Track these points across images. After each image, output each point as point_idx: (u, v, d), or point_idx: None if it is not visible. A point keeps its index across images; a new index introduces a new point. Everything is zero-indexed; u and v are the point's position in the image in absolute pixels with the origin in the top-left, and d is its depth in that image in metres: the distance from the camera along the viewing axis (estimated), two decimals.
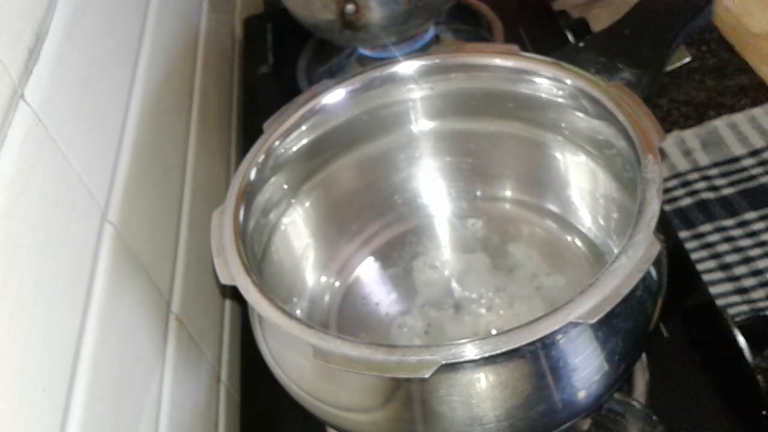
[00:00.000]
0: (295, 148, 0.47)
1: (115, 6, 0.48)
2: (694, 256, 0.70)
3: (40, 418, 0.31)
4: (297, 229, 0.50)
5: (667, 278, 0.39)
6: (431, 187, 0.54)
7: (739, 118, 0.80)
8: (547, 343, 0.33)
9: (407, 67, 0.48)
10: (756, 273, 0.68)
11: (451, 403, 0.34)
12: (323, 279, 0.51)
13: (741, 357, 0.45)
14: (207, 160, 0.60)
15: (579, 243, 0.50)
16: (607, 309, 0.31)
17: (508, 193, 0.53)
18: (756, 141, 0.78)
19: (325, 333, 0.34)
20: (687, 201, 0.75)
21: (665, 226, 0.45)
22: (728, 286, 0.68)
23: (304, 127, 0.47)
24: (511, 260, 0.51)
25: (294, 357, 0.38)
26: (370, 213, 0.53)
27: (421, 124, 0.52)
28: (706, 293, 0.50)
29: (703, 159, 0.78)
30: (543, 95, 0.46)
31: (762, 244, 0.70)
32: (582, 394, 0.35)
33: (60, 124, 0.37)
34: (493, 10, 0.72)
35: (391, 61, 0.48)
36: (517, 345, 0.31)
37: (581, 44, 0.56)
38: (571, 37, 0.68)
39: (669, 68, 0.58)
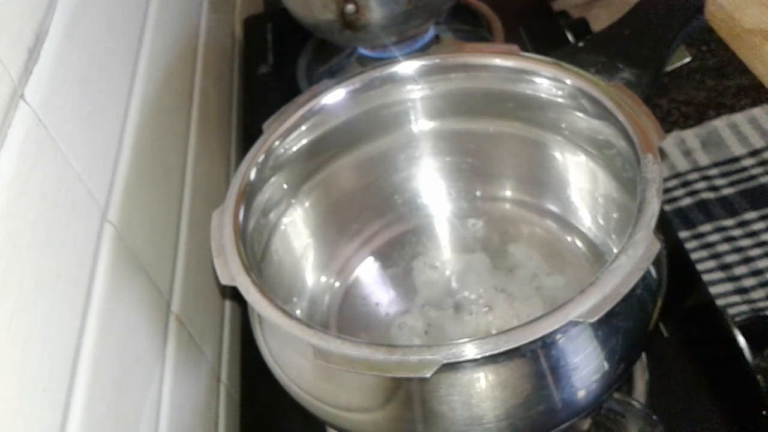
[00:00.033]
0: (295, 148, 0.47)
1: (115, 6, 0.48)
2: (694, 256, 0.70)
3: (40, 418, 0.31)
4: (297, 229, 0.50)
5: (666, 278, 0.39)
6: (431, 187, 0.54)
7: (739, 118, 0.80)
8: (547, 343, 0.34)
9: (407, 67, 0.48)
10: (756, 273, 0.68)
11: (451, 402, 0.34)
12: (323, 279, 0.51)
13: (741, 357, 0.45)
14: (207, 160, 0.60)
15: (579, 243, 0.50)
16: (607, 308, 0.31)
17: (508, 193, 0.53)
18: (756, 141, 0.78)
19: (326, 333, 0.34)
20: (687, 201, 0.75)
21: (665, 226, 0.45)
22: (728, 286, 0.68)
23: (303, 127, 0.47)
24: (511, 260, 0.51)
25: (294, 357, 0.38)
26: (370, 213, 0.53)
27: (421, 124, 0.52)
28: (706, 293, 0.50)
29: (703, 159, 0.78)
30: (543, 95, 0.46)
31: (762, 244, 0.70)
32: (582, 394, 0.35)
33: (60, 124, 0.37)
34: (493, 10, 0.72)
35: (391, 61, 0.49)
36: (517, 344, 0.31)
37: (581, 44, 0.56)
38: (571, 37, 0.68)
39: (669, 68, 0.58)
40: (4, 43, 0.33)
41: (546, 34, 0.70)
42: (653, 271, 0.37)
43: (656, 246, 0.33)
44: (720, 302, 0.66)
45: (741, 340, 0.46)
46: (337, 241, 0.52)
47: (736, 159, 0.77)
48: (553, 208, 0.51)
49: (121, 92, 0.46)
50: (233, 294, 0.57)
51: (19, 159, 0.32)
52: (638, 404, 0.42)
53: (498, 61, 0.46)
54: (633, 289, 0.32)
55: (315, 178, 0.50)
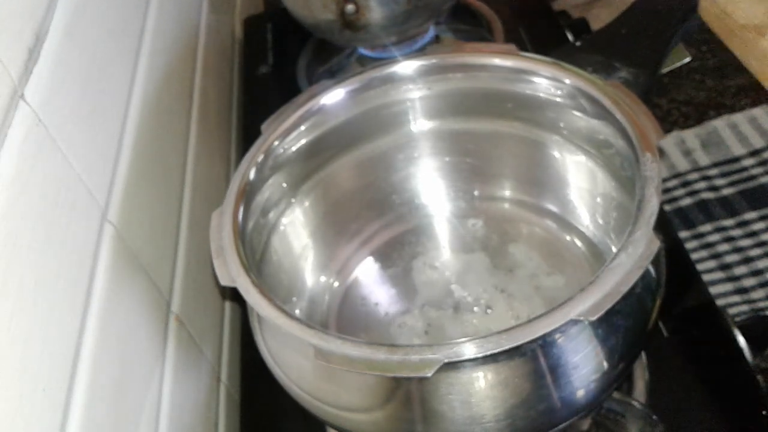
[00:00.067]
0: (294, 149, 0.47)
1: (115, 6, 0.48)
2: (694, 256, 0.70)
3: (40, 418, 0.31)
4: (296, 229, 0.50)
5: (666, 277, 0.39)
6: (430, 187, 0.54)
7: (739, 118, 0.80)
8: (547, 341, 0.33)
9: (406, 67, 0.48)
10: (756, 273, 0.68)
11: (451, 402, 0.34)
12: (322, 279, 0.51)
13: (741, 357, 0.45)
14: (207, 160, 0.60)
15: (578, 242, 0.50)
16: (608, 306, 0.31)
17: (507, 193, 0.53)
18: (756, 141, 0.78)
19: (326, 333, 0.34)
20: (687, 201, 0.75)
21: (664, 226, 0.45)
22: (728, 286, 0.68)
23: (303, 128, 0.47)
24: (511, 260, 0.51)
25: (294, 357, 0.38)
26: (369, 213, 0.53)
27: (420, 124, 0.52)
28: (706, 293, 0.50)
29: (703, 159, 0.78)
30: (541, 95, 0.46)
31: (762, 244, 0.70)
32: (581, 393, 0.35)
33: (60, 124, 0.37)
34: (493, 10, 0.72)
35: (390, 61, 0.49)
36: (518, 343, 0.31)
37: (578, 44, 0.56)
38: (571, 37, 0.68)
39: (669, 68, 0.58)
40: (4, 43, 0.33)
41: (546, 34, 0.70)
42: (652, 270, 0.37)
43: (656, 244, 0.33)
44: (720, 302, 0.66)
45: (741, 340, 0.46)
46: (337, 241, 0.52)
47: (736, 159, 0.77)
48: (553, 207, 0.51)
49: (121, 92, 0.46)
50: (233, 294, 0.57)
51: (19, 159, 0.32)
52: (638, 404, 0.42)
53: (497, 61, 0.46)
54: (633, 288, 0.32)
55: (314, 178, 0.50)
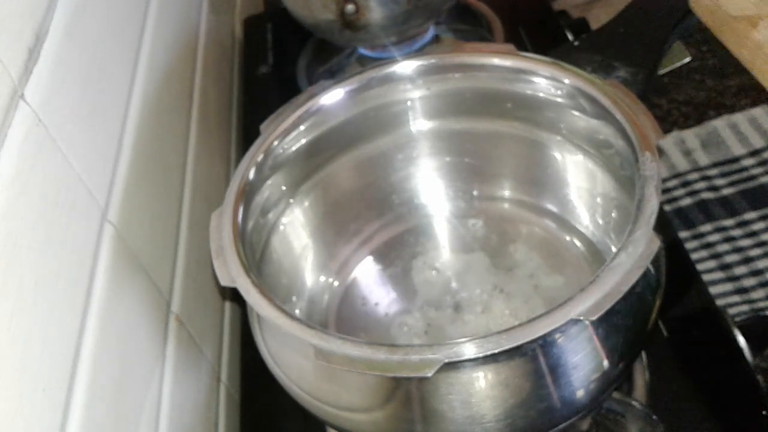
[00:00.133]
0: (293, 149, 0.48)
1: (115, 6, 0.48)
2: (694, 256, 0.70)
3: (40, 418, 0.31)
4: (296, 230, 0.50)
5: (665, 276, 0.39)
6: (430, 187, 0.54)
7: (739, 118, 0.80)
8: (547, 341, 0.33)
9: (405, 67, 0.48)
10: (756, 273, 0.68)
11: (451, 402, 0.34)
12: (322, 279, 0.51)
13: (741, 357, 0.45)
14: (207, 160, 0.60)
15: (577, 242, 0.50)
16: (608, 306, 0.31)
17: (507, 193, 0.53)
18: (756, 141, 0.78)
19: (327, 333, 0.34)
20: (687, 201, 0.75)
21: (664, 226, 0.45)
22: (728, 286, 0.68)
23: (302, 128, 0.47)
24: (510, 260, 0.51)
25: (294, 357, 0.38)
26: (369, 213, 0.53)
27: (419, 124, 0.52)
28: (706, 293, 0.50)
29: (703, 159, 0.78)
30: (541, 95, 0.46)
31: (762, 244, 0.70)
32: (581, 393, 0.35)
33: (60, 124, 0.37)
34: (493, 10, 0.72)
35: (389, 61, 0.49)
36: (518, 343, 0.31)
37: (576, 43, 0.56)
38: (570, 37, 0.68)
39: (669, 68, 0.58)
40: (4, 43, 0.33)
41: (546, 34, 0.70)
42: (652, 270, 0.37)
43: (656, 243, 0.33)
44: (720, 302, 0.66)
45: (741, 340, 0.46)
46: (336, 241, 0.52)
47: (736, 159, 0.77)
48: (552, 207, 0.51)
49: (121, 92, 0.46)
50: (233, 294, 0.57)
51: (19, 159, 0.32)
52: (638, 404, 0.42)
53: (496, 61, 0.46)
54: (633, 288, 0.32)
55: (314, 178, 0.50)
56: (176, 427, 0.44)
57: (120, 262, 0.41)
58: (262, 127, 0.46)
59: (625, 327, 0.35)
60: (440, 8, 0.64)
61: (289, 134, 0.47)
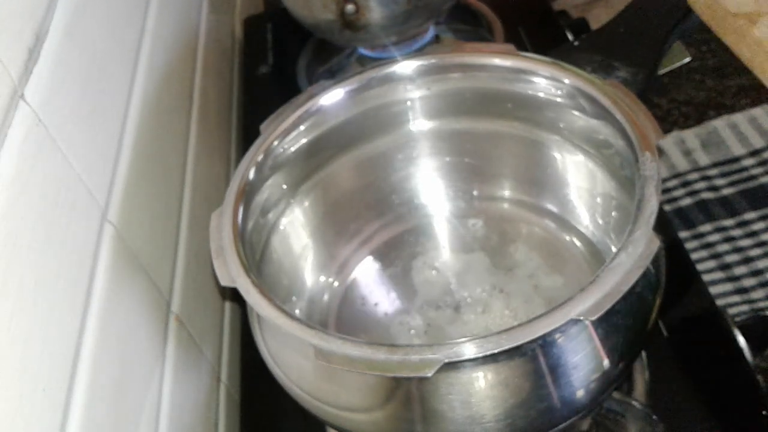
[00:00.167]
0: (293, 149, 0.48)
1: (115, 6, 0.48)
2: (694, 256, 0.70)
3: (40, 418, 0.31)
4: (296, 230, 0.50)
5: (665, 276, 0.39)
6: (429, 187, 0.54)
7: (739, 118, 0.80)
8: (547, 341, 0.33)
9: (405, 67, 0.48)
10: (756, 273, 0.68)
11: (451, 402, 0.34)
12: (322, 279, 0.51)
13: (741, 357, 0.45)
14: (207, 160, 0.60)
15: (577, 242, 0.50)
16: (608, 306, 0.32)
17: (507, 193, 0.53)
18: (756, 141, 0.78)
19: (327, 333, 0.34)
20: (687, 201, 0.75)
21: (664, 226, 0.45)
22: (728, 286, 0.68)
23: (302, 128, 0.47)
24: (510, 260, 0.51)
25: (294, 357, 0.39)
26: (369, 213, 0.53)
27: (419, 124, 0.52)
28: (706, 293, 0.50)
29: (703, 159, 0.78)
30: (541, 95, 0.46)
31: (762, 244, 0.70)
32: (581, 393, 0.35)
33: (60, 124, 0.37)
34: (493, 10, 0.72)
35: (389, 61, 0.49)
36: (518, 343, 0.31)
37: (576, 43, 0.56)
38: (571, 37, 0.68)
39: (669, 68, 0.58)
40: (4, 43, 0.33)
41: (546, 34, 0.70)
42: (652, 270, 0.37)
43: (656, 243, 0.33)
44: (720, 302, 0.66)
45: (741, 340, 0.46)
46: (336, 241, 0.52)
47: (736, 159, 0.77)
48: (552, 207, 0.51)
49: (121, 92, 0.46)
50: (233, 294, 0.57)
51: (19, 159, 0.33)
52: (638, 404, 0.42)
53: (496, 61, 0.46)
54: (633, 288, 0.32)
55: (313, 179, 0.50)
56: (176, 427, 0.44)
57: (120, 262, 0.41)
58: (262, 127, 0.46)
59: (625, 327, 0.35)
60: (440, 8, 0.64)
61: (289, 134, 0.47)
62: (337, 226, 0.52)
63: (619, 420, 0.42)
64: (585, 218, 0.49)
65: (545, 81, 0.45)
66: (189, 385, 0.48)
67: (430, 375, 0.31)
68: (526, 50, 0.46)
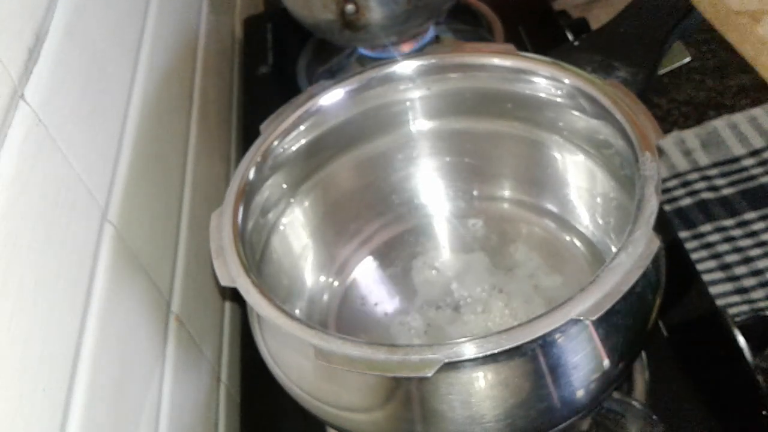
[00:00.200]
0: (293, 149, 0.48)
1: (115, 6, 0.48)
2: (694, 256, 0.70)
3: (40, 418, 0.31)
4: (296, 230, 0.50)
5: (665, 276, 0.39)
6: (429, 187, 0.54)
7: (739, 118, 0.80)
8: (547, 341, 0.34)
9: (405, 67, 0.48)
10: (756, 273, 0.68)
11: (451, 402, 0.34)
12: (322, 279, 0.51)
13: (741, 357, 0.45)
14: (207, 160, 0.60)
15: (577, 242, 0.50)
16: (608, 306, 0.32)
17: (507, 193, 0.53)
18: (756, 141, 0.78)
19: (327, 333, 0.34)
20: (687, 201, 0.75)
21: (664, 226, 0.45)
22: (728, 286, 0.68)
23: (302, 128, 0.47)
24: (510, 260, 0.51)
25: (294, 357, 0.39)
26: (369, 213, 0.53)
27: (419, 124, 0.52)
28: (706, 293, 0.50)
29: (703, 159, 0.78)
30: (541, 95, 0.46)
31: (762, 244, 0.70)
32: (581, 393, 0.35)
33: (60, 124, 0.37)
34: (493, 10, 0.72)
35: (389, 61, 0.49)
36: (518, 343, 0.31)
37: (576, 43, 0.56)
38: (571, 37, 0.68)
39: (669, 68, 0.58)
40: (4, 43, 0.33)
41: (546, 34, 0.70)
42: (652, 270, 0.37)
43: (656, 243, 0.33)
44: (720, 302, 0.66)
45: (741, 340, 0.46)
46: (336, 241, 0.52)
47: (736, 159, 0.77)
48: (552, 207, 0.51)
49: (121, 92, 0.46)
50: (233, 294, 0.57)
51: (19, 159, 0.33)
52: (638, 404, 0.42)
53: (496, 61, 0.46)
54: (633, 288, 0.32)
55: (313, 179, 0.50)
56: (176, 427, 0.44)
57: (120, 262, 0.41)
58: (262, 127, 0.46)
59: (625, 327, 0.35)
60: (440, 8, 0.64)
61: (289, 134, 0.47)
62: (337, 226, 0.52)
63: (619, 420, 0.42)
64: (585, 218, 0.49)
65: (545, 81, 0.45)
66: (189, 385, 0.48)
67: (430, 375, 0.31)
68: (526, 50, 0.46)
